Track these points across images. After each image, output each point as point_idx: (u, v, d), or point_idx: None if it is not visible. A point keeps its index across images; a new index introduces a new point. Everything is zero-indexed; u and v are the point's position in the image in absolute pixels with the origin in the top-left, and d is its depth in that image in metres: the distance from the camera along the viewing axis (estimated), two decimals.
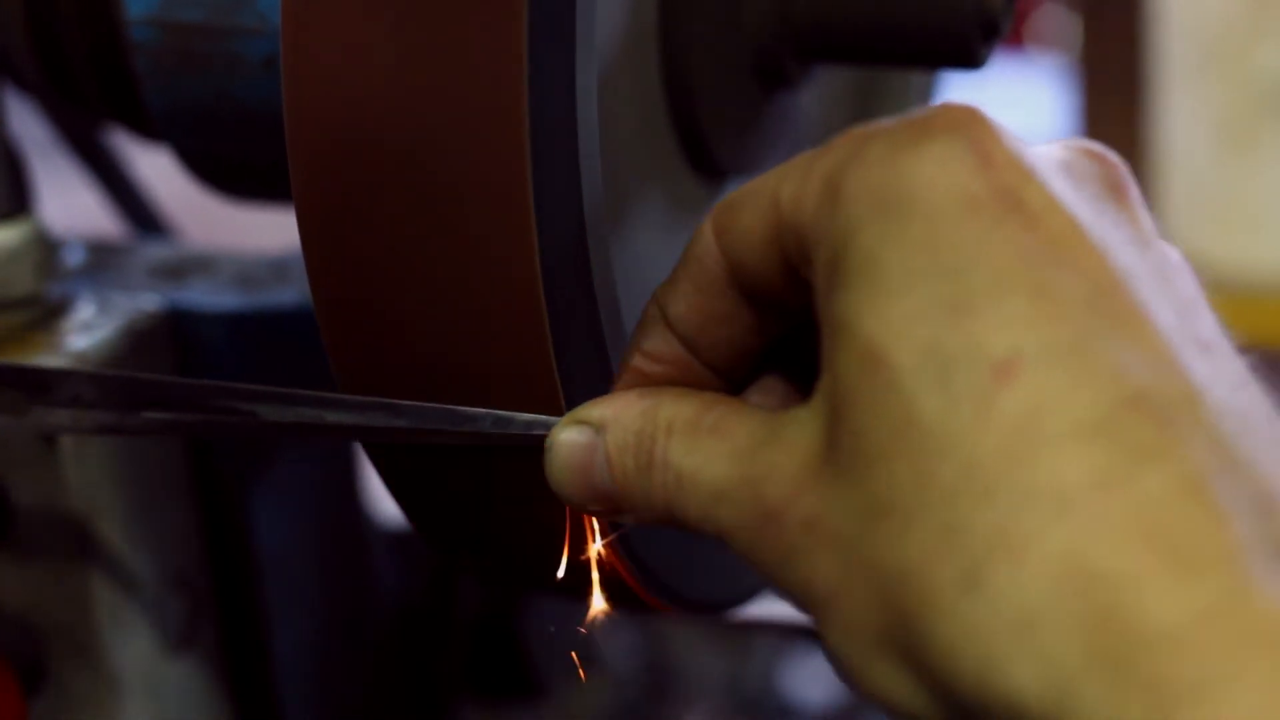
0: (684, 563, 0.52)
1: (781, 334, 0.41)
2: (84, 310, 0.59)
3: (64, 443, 0.56)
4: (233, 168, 0.58)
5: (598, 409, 0.42)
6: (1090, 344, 0.34)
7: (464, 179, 0.41)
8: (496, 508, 0.47)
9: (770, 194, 0.38)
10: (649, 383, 0.42)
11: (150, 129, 0.61)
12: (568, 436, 0.42)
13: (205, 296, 0.61)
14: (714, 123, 0.53)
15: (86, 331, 0.58)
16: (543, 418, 0.43)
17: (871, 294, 0.35)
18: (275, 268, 0.64)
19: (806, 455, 0.37)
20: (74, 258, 0.65)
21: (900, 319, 0.34)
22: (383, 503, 0.70)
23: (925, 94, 0.70)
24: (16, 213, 0.59)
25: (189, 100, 0.56)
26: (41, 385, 0.48)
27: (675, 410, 0.40)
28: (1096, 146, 0.39)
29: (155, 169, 0.74)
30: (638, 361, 0.42)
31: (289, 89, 0.42)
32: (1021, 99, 2.71)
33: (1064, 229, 0.35)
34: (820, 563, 0.36)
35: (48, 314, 0.59)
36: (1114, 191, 0.38)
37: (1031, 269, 0.34)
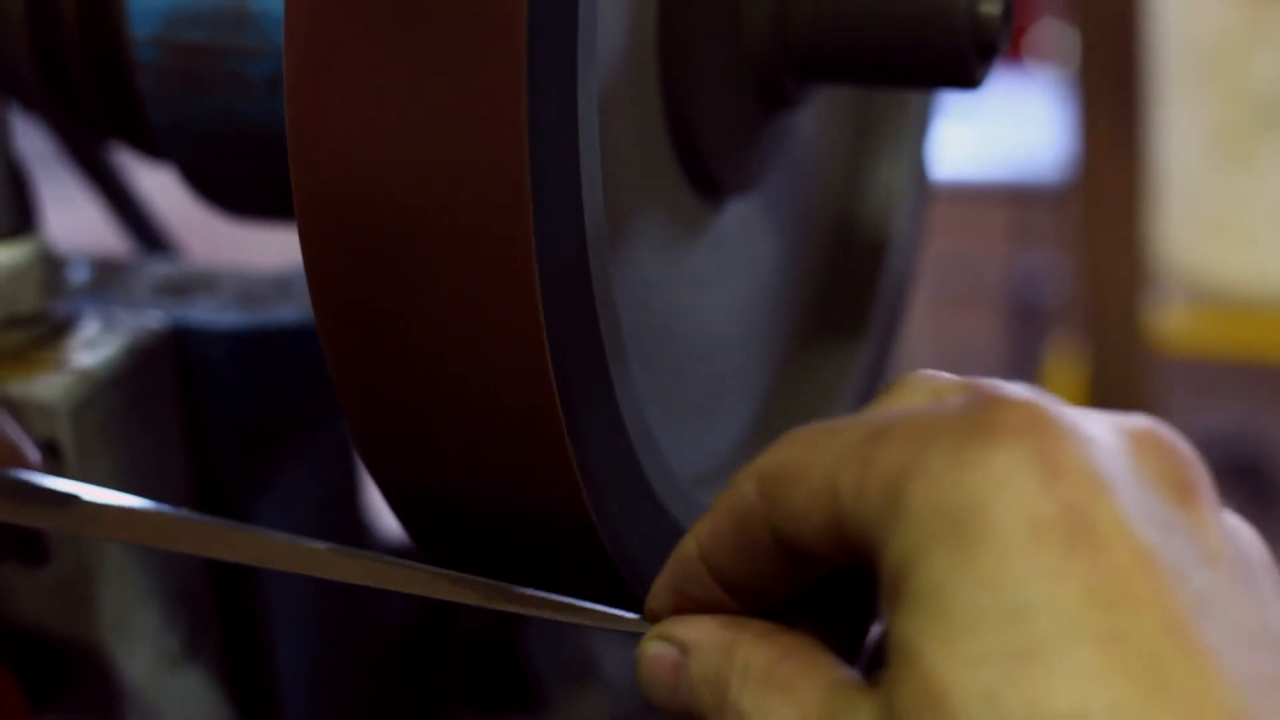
0: None
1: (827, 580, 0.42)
2: (89, 328, 0.59)
3: (69, 455, 0.57)
4: (236, 186, 0.59)
5: (682, 629, 0.42)
6: (1158, 701, 0.33)
7: (464, 198, 0.42)
8: (511, 541, 0.48)
9: (827, 481, 0.38)
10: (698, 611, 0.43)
11: (154, 147, 0.62)
12: (655, 651, 0.42)
13: (208, 314, 0.62)
14: (713, 142, 0.54)
15: (91, 349, 0.58)
16: (608, 611, 0.44)
17: (936, 627, 0.34)
18: (278, 285, 0.65)
19: None
20: (78, 275, 0.65)
21: (963, 661, 0.34)
22: (383, 515, 0.70)
23: (923, 111, 0.70)
24: (22, 230, 0.59)
25: (193, 119, 0.56)
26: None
27: (750, 654, 0.40)
28: (1165, 434, 0.37)
29: (156, 186, 0.74)
30: (678, 601, 0.43)
31: (292, 114, 0.43)
32: (1019, 112, 2.72)
33: (1134, 558, 0.34)
34: None
35: (53, 331, 0.59)
36: (1183, 495, 0.36)
37: (1100, 612, 0.33)
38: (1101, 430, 0.36)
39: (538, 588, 0.53)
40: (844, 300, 0.68)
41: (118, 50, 0.59)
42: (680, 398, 0.56)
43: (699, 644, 0.41)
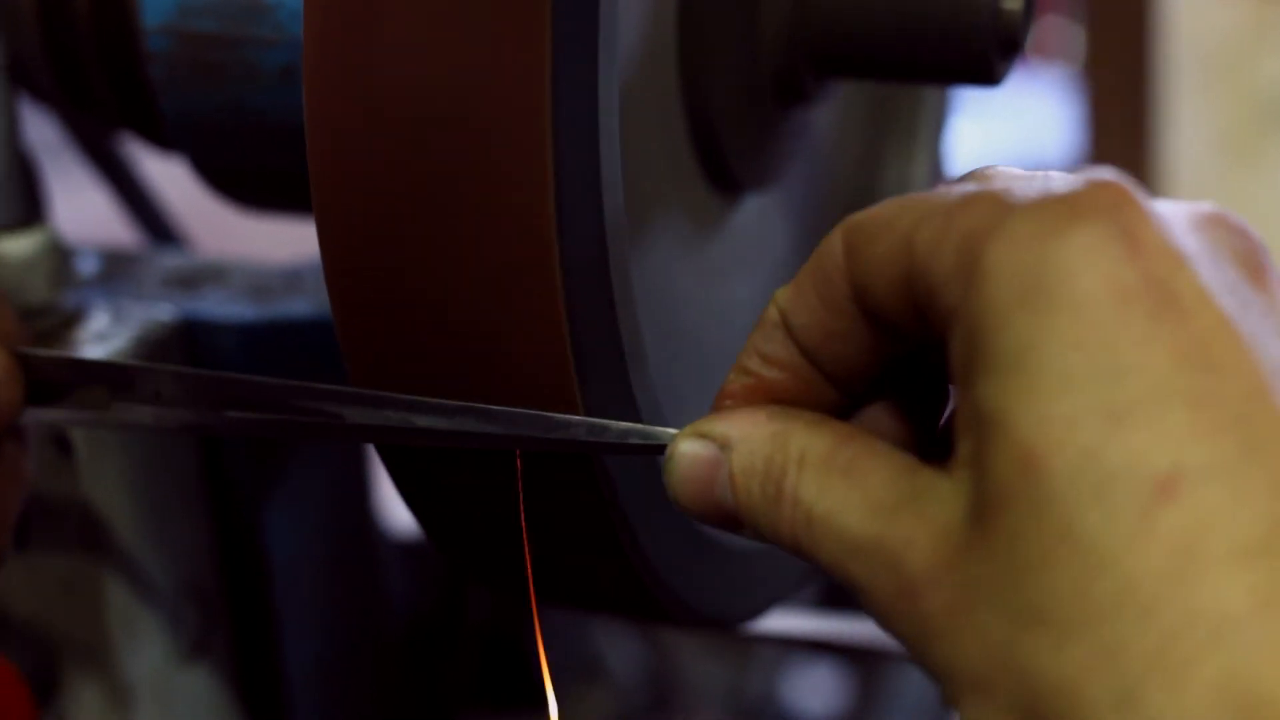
0: (697, 578, 0.52)
1: (901, 355, 0.41)
2: (98, 320, 0.59)
3: (79, 450, 0.56)
4: (247, 177, 0.58)
5: (722, 424, 0.41)
6: (1250, 459, 0.33)
7: (487, 192, 0.41)
8: (518, 519, 0.47)
9: (905, 233, 0.37)
10: (765, 387, 0.41)
11: (165, 138, 0.61)
12: (690, 448, 0.41)
13: (219, 306, 0.61)
14: (732, 137, 0.53)
15: (101, 341, 0.57)
16: (640, 427, 0.42)
17: (1027, 391, 0.34)
18: (288, 278, 0.64)
19: (948, 534, 0.36)
20: (87, 266, 0.64)
21: (1058, 422, 0.34)
22: (394, 512, 0.70)
23: (939, 106, 0.70)
24: (31, 221, 0.59)
25: (204, 110, 0.56)
26: (124, 381, 0.47)
27: (808, 441, 0.39)
28: (1233, 218, 0.38)
29: (164, 176, 0.74)
30: (755, 364, 0.41)
31: (310, 99, 0.42)
32: (1023, 110, 2.71)
33: (1215, 326, 0.34)
34: (963, 651, 0.35)
35: (62, 323, 0.59)
36: (1253, 272, 0.37)
37: (1188, 374, 0.34)
38: (1177, 212, 0.37)
39: (556, 586, 0.52)
40: None
41: (129, 39, 0.59)
42: (695, 392, 0.55)
43: (745, 436, 0.40)
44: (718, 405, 0.42)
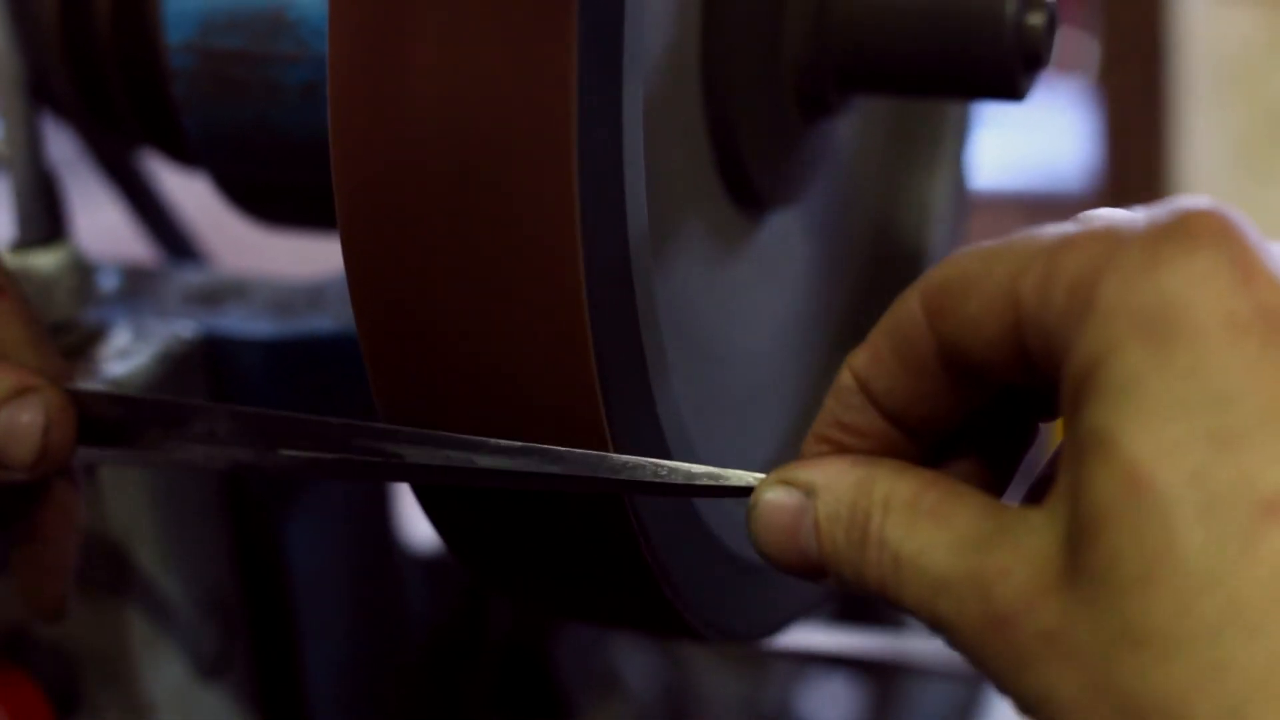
0: (719, 594, 0.52)
1: (981, 406, 0.41)
2: (120, 336, 0.59)
3: (102, 468, 0.56)
4: (270, 194, 0.58)
5: (807, 472, 0.41)
6: None
7: (512, 208, 0.41)
8: (551, 549, 0.47)
9: (1005, 286, 0.37)
10: (848, 453, 0.41)
11: (187, 154, 0.61)
12: (774, 497, 0.41)
13: (241, 323, 0.61)
14: (754, 152, 0.53)
15: (123, 358, 0.57)
16: (706, 469, 0.42)
17: (1136, 415, 0.35)
18: (310, 294, 0.64)
19: (1043, 563, 0.36)
20: (108, 283, 0.65)
21: (1167, 445, 0.34)
22: (414, 527, 0.70)
23: (961, 120, 0.70)
24: (53, 238, 0.59)
25: (227, 126, 0.56)
26: (176, 419, 0.47)
27: (892, 486, 0.39)
28: None
29: (183, 192, 0.74)
30: (836, 434, 0.41)
31: (335, 115, 0.42)
32: (1036, 122, 2.71)
33: None
34: (1060, 677, 0.35)
35: (84, 340, 0.59)
36: None
37: None
38: (1265, 239, 0.37)
39: (577, 601, 0.52)
40: (881, 311, 0.68)
41: (151, 56, 0.59)
42: (718, 407, 0.55)
43: (829, 484, 0.40)
44: None
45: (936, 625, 0.38)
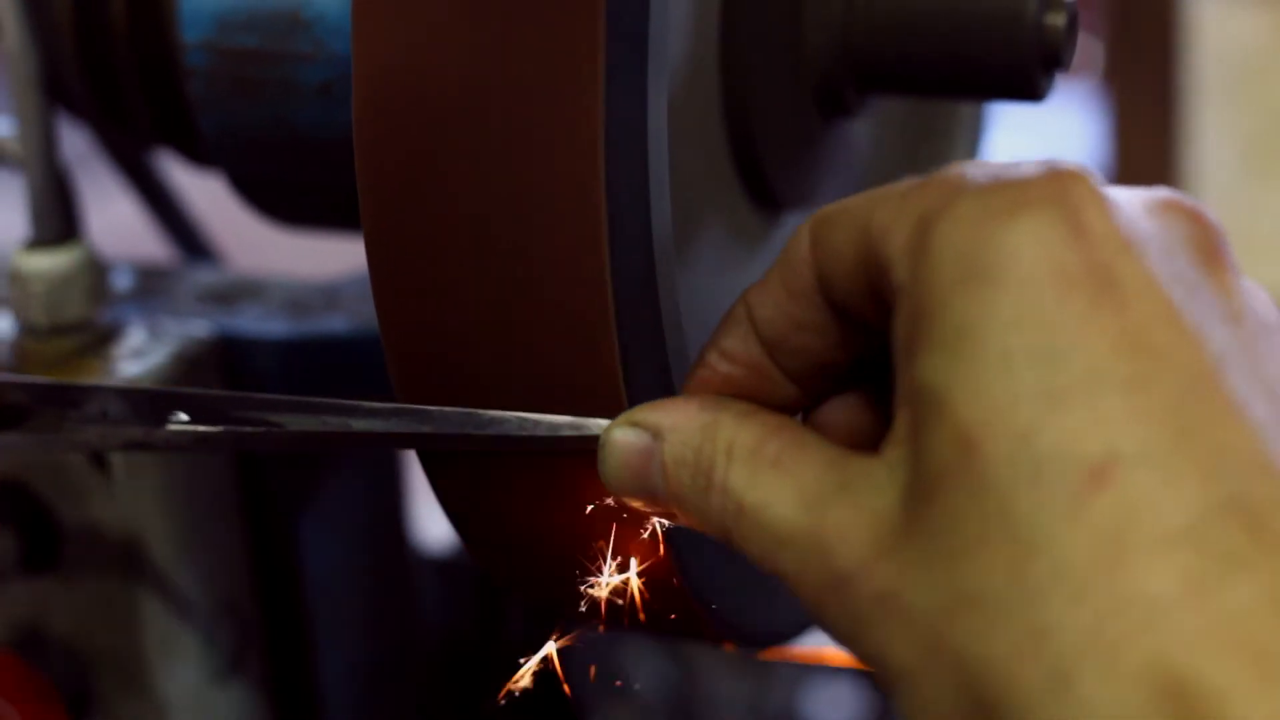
0: (741, 594, 0.52)
1: (861, 354, 0.41)
2: (135, 336, 0.59)
3: (116, 468, 0.56)
4: (285, 193, 0.58)
5: (655, 414, 0.41)
6: (1183, 446, 0.34)
7: (538, 208, 0.41)
8: (547, 519, 0.47)
9: (863, 217, 0.38)
10: (722, 381, 0.42)
11: (202, 153, 0.61)
12: (622, 436, 0.41)
13: (256, 323, 0.61)
14: (773, 153, 0.53)
15: (138, 358, 0.57)
16: (571, 419, 0.43)
17: (965, 369, 0.35)
18: (326, 294, 0.64)
19: (881, 521, 0.36)
20: (122, 282, 0.64)
21: (996, 403, 0.34)
22: (429, 528, 0.70)
23: (975, 120, 0.69)
24: (68, 238, 0.59)
25: (243, 126, 0.56)
26: (71, 401, 0.47)
27: (735, 433, 0.40)
28: (1190, 203, 0.38)
29: (195, 191, 0.74)
30: (713, 359, 0.42)
31: (360, 109, 0.42)
32: (1050, 124, 2.71)
33: (1158, 311, 0.35)
34: (896, 638, 0.36)
35: (99, 339, 0.59)
36: (1207, 258, 0.37)
37: (1126, 359, 0.34)
38: (1128, 198, 0.37)
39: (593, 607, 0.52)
40: None
41: (167, 55, 0.58)
42: None
43: (674, 426, 0.41)
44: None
45: (781, 578, 0.38)
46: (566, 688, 0.75)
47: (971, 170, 0.37)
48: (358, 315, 0.62)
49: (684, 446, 0.40)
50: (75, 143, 0.66)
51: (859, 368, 0.41)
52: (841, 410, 0.42)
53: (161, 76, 0.59)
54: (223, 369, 0.60)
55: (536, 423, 0.43)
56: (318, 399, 0.44)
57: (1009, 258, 0.35)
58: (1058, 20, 0.51)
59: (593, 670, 0.79)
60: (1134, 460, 0.33)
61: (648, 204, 0.43)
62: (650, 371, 0.44)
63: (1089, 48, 2.06)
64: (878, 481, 0.37)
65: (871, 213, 0.38)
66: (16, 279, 0.58)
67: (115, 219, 0.81)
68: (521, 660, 0.75)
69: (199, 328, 0.59)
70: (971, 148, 0.69)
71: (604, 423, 0.42)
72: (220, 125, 0.56)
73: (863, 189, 0.64)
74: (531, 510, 0.46)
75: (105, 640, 0.58)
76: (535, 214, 0.41)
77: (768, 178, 0.53)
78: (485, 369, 0.43)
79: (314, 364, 0.61)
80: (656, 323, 0.44)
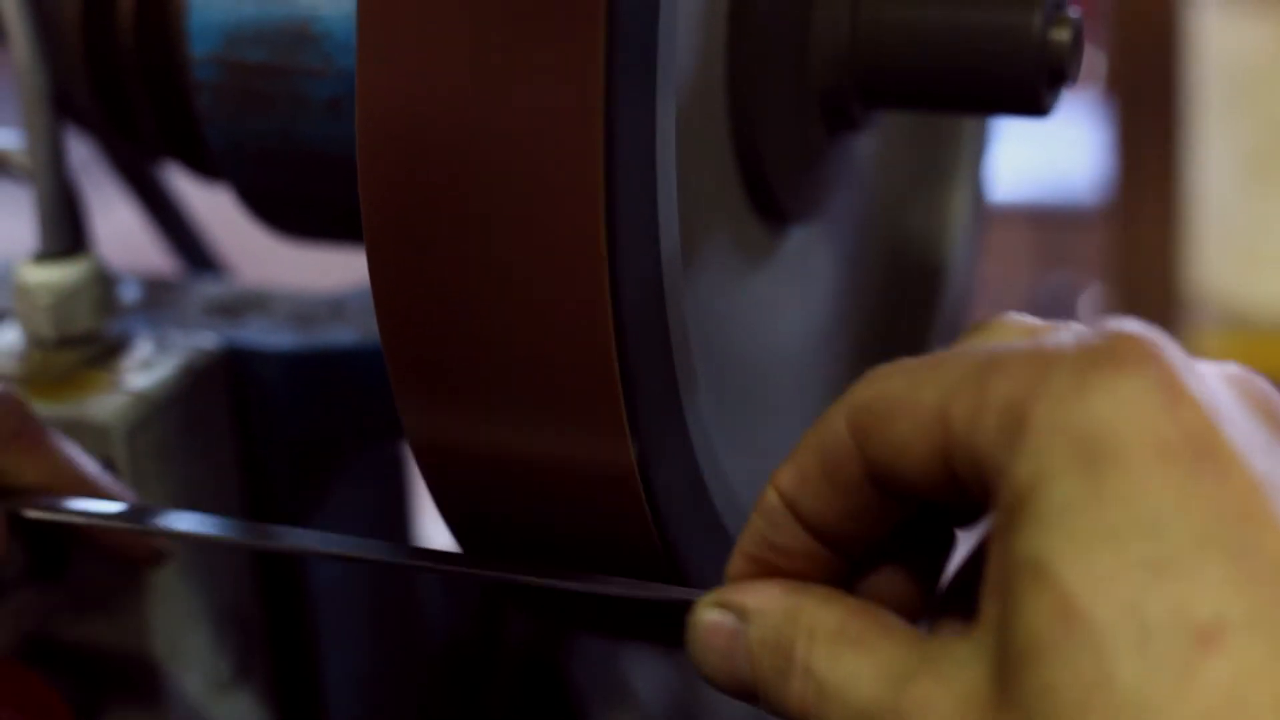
0: None
1: (907, 519, 0.41)
2: (142, 348, 0.59)
3: (123, 477, 0.56)
4: (293, 207, 0.58)
5: (741, 595, 0.41)
6: None
7: (540, 223, 0.41)
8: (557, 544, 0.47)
9: (934, 410, 0.38)
10: (773, 571, 0.42)
11: (210, 167, 0.62)
12: (711, 618, 0.41)
13: (262, 335, 0.61)
14: (779, 167, 0.53)
15: (145, 370, 0.58)
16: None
17: (1069, 544, 0.35)
18: (332, 306, 0.64)
19: (968, 694, 0.36)
20: (129, 294, 0.65)
21: (1101, 574, 0.34)
22: (433, 536, 0.70)
23: (980, 134, 0.70)
24: (75, 250, 0.59)
25: (251, 140, 0.56)
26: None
27: (818, 615, 0.40)
28: (1257, 377, 0.38)
29: (200, 203, 0.74)
30: (763, 553, 0.42)
31: (363, 128, 0.42)
32: (1043, 134, 2.71)
33: (1253, 481, 0.35)
34: None
35: (106, 352, 0.59)
36: (1275, 425, 0.38)
37: (1229, 528, 0.34)
38: (1205, 367, 0.38)
39: (602, 616, 0.52)
40: (903, 324, 0.68)
41: (175, 69, 0.59)
42: (742, 422, 0.55)
43: (760, 609, 0.40)
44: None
45: None
46: (568, 693, 0.76)
47: (1047, 342, 0.37)
48: (363, 327, 0.62)
49: (767, 628, 0.40)
50: (77, 151, 0.66)
51: (898, 531, 0.42)
52: (885, 584, 0.42)
53: (169, 89, 0.59)
54: (229, 381, 0.60)
55: (625, 585, 0.44)
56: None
57: (1110, 433, 0.35)
58: (1063, 35, 0.51)
59: (594, 676, 0.79)
60: (1243, 625, 0.33)
61: (656, 221, 0.43)
62: (658, 386, 0.44)
63: (1092, 59, 2.07)
64: (963, 656, 0.37)
65: (945, 405, 0.37)
66: (23, 291, 0.58)
67: (117, 227, 0.81)
68: (524, 667, 0.75)
69: (206, 340, 0.60)
70: (976, 160, 0.70)
71: (696, 591, 0.42)
72: (228, 139, 0.56)
73: (867, 201, 0.64)
74: (534, 519, 0.47)
75: (111, 650, 0.59)
76: (536, 230, 0.41)
77: (774, 191, 0.54)
78: (487, 384, 0.44)
79: (320, 376, 0.61)
80: (664, 337, 0.44)
